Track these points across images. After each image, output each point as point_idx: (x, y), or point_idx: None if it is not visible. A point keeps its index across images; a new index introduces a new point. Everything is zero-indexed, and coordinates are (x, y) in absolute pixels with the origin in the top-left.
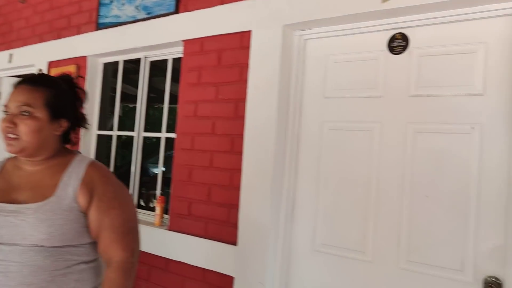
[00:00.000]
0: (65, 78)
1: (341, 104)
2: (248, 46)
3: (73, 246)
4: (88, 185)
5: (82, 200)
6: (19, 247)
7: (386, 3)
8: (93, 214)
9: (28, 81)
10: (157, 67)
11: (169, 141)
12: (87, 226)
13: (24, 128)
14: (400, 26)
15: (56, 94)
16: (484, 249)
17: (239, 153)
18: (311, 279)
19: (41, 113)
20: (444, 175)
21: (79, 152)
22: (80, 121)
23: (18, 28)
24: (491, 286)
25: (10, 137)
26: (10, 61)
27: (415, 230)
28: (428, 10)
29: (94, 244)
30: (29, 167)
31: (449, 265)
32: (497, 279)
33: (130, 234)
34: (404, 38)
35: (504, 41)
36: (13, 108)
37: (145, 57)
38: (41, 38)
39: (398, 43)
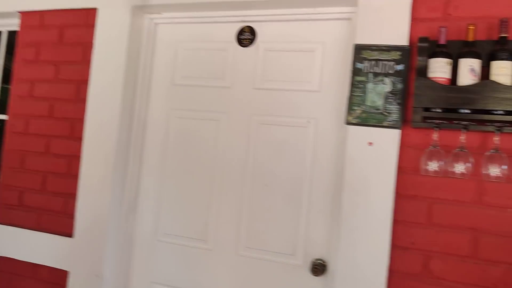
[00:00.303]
0: None
1: (190, 92)
2: (93, 24)
3: None
4: None
5: None
6: None
7: None
8: None
9: None
10: None
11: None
12: None
13: None
14: (249, 20)
15: None
16: (314, 234)
17: (79, 139)
18: (153, 270)
19: None
20: (282, 166)
21: None
22: None
23: None
24: (317, 268)
25: None
26: None
27: (254, 217)
28: (274, 7)
29: None
30: None
31: (283, 250)
32: (323, 261)
33: None
34: (252, 31)
35: (340, 43)
36: None
37: None
38: None
39: (246, 36)
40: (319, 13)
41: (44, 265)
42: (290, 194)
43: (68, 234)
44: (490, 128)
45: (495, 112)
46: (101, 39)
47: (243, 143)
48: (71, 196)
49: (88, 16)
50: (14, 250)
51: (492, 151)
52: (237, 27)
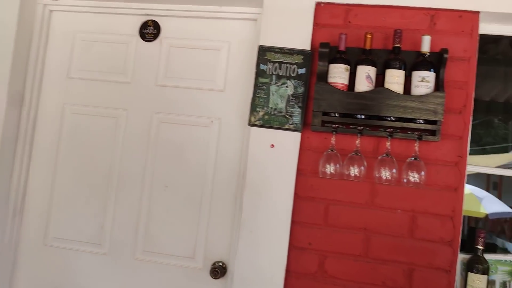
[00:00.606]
0: None
1: (87, 86)
2: None
3: None
4: None
5: None
6: None
7: None
8: None
9: None
10: None
11: None
12: None
13: None
14: (153, 14)
15: None
16: (214, 236)
17: None
18: (41, 276)
19: None
20: (184, 166)
21: None
22: None
23: None
24: (216, 270)
25: None
26: None
27: (153, 220)
28: (180, 2)
29: None
30: None
31: (183, 253)
32: (223, 263)
33: None
34: (156, 26)
35: (245, 43)
36: None
37: None
38: None
39: (149, 30)
40: (225, 12)
41: None
42: (191, 196)
43: None
44: (383, 134)
45: (388, 118)
46: None
47: (143, 142)
48: None
49: None
50: None
51: (384, 155)
52: (141, 20)
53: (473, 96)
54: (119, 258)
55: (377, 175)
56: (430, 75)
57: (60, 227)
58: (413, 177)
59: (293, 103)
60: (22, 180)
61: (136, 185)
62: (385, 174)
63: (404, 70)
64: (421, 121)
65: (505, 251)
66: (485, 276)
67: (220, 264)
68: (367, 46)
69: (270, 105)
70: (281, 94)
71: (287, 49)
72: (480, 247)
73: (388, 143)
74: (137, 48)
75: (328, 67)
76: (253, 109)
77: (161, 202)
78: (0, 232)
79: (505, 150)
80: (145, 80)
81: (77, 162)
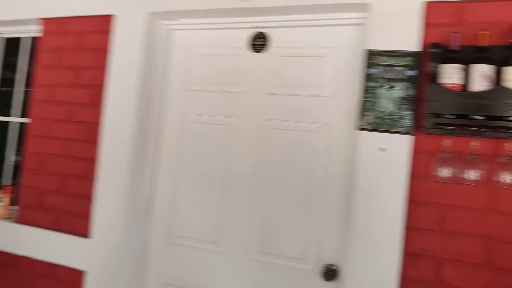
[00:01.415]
0: None
1: (204, 97)
2: (109, 30)
3: None
4: None
5: None
6: None
7: (246, 1)
8: None
9: None
10: (17, 44)
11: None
12: None
13: None
14: (262, 26)
15: None
16: (325, 239)
17: (95, 142)
18: (167, 271)
19: None
20: (294, 171)
21: None
22: None
23: None
24: (328, 273)
25: None
26: None
27: (266, 222)
28: (287, 13)
29: None
30: None
31: (294, 254)
32: (335, 266)
33: None
34: (264, 37)
35: (351, 48)
36: None
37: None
38: None
39: (259, 42)
40: (331, 19)
41: (62, 265)
42: (301, 199)
43: (85, 235)
44: (502, 135)
45: (507, 119)
46: (117, 45)
47: (255, 147)
48: (87, 198)
49: (104, 23)
50: (34, 250)
51: (504, 158)
52: (250, 33)
53: None
54: (235, 257)
55: (497, 179)
56: None
57: (183, 226)
58: None
59: (402, 105)
60: (151, 183)
61: (249, 188)
62: (507, 177)
63: None
64: None
65: None
66: None
67: (332, 267)
68: (482, 43)
69: (379, 109)
70: (390, 97)
71: (395, 51)
72: None
73: (509, 145)
74: (247, 59)
75: (439, 67)
76: (362, 113)
77: (273, 204)
78: (133, 230)
79: None
80: (255, 89)
81: (196, 166)
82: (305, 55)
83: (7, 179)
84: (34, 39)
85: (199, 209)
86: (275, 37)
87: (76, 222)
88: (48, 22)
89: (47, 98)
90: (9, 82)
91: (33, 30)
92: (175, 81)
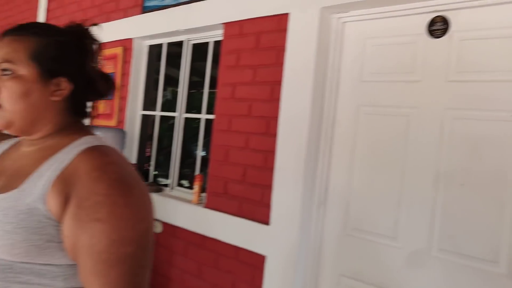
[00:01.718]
0: (71, 27)
1: (378, 88)
2: (285, 29)
3: (38, 264)
4: (65, 181)
5: (53, 203)
6: None
7: None
8: (67, 226)
9: (11, 31)
10: (200, 50)
11: (210, 125)
12: (62, 241)
13: (5, 93)
14: (441, 9)
15: (48, 43)
16: None
17: (273, 135)
18: (342, 262)
19: (26, 70)
20: (481, 164)
21: (93, 134)
22: (92, 83)
23: (71, 12)
24: None
25: None
26: None
27: (448, 218)
28: None
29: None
30: (25, 148)
31: (483, 255)
32: None
33: (118, 267)
34: (444, 21)
35: None
36: None
37: (188, 40)
38: (91, 21)
39: (438, 27)
40: None
41: (245, 248)
42: (490, 195)
43: (265, 222)
44: None
45: None
46: (292, 42)
47: (435, 139)
48: (267, 187)
49: (280, 22)
50: (220, 233)
51: None
52: (428, 18)
53: None
54: (414, 254)
55: None
56: None
57: (358, 218)
58: None
59: None
60: (324, 174)
61: (429, 182)
62: None
63: None
64: None
65: None
66: None
67: None
68: None
69: None
70: None
71: None
72: None
73: None
74: (425, 46)
75: None
76: None
77: (456, 201)
78: (308, 219)
79: None
80: (435, 77)
81: (371, 159)
82: (491, 36)
83: (197, 169)
84: (216, 43)
85: (375, 202)
86: (456, 20)
87: (257, 209)
88: (228, 26)
89: (229, 96)
90: (196, 84)
91: (217, 35)
92: (347, 73)
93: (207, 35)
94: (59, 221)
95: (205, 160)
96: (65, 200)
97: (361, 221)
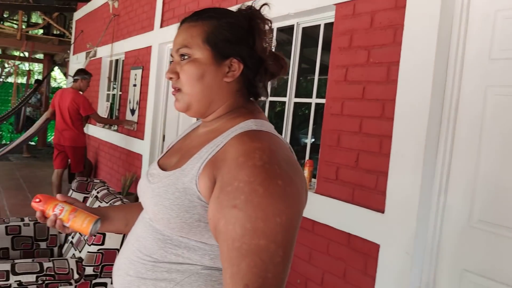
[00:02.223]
0: (242, 9)
1: (510, 66)
2: (403, 5)
3: (193, 240)
4: (214, 165)
5: (202, 185)
6: (145, 218)
7: None
8: (210, 209)
9: (188, 18)
10: (309, 36)
11: (319, 111)
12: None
13: (183, 77)
14: None
15: (220, 25)
16: None
17: (390, 119)
18: (465, 257)
19: (201, 53)
20: None
21: (259, 118)
22: (263, 64)
23: (185, 2)
24: None
25: (173, 91)
26: None
27: None
28: None
29: None
30: (201, 129)
31: None
32: None
33: (249, 258)
34: None
35: None
36: (174, 54)
37: (298, 24)
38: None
39: None
40: None
41: (357, 236)
42: None
43: (380, 209)
44: None
45: None
46: (411, 19)
47: None
48: (382, 174)
49: None
50: (331, 219)
51: None
52: None
53: None
54: None
55: None
56: None
57: (484, 210)
58: None
59: None
60: (446, 161)
61: None
62: None
63: None
64: None
65: None
66: None
67: None
68: None
69: None
70: None
71: None
72: None
73: None
74: None
75: None
76: None
77: None
78: (427, 209)
79: None
80: None
81: (502, 144)
82: None
83: (307, 155)
84: (326, 26)
85: (504, 193)
86: None
87: (370, 196)
88: (341, 6)
89: (342, 78)
90: (304, 71)
91: (327, 17)
92: (473, 51)
93: (318, 18)
94: (207, 202)
95: (313, 146)
96: (212, 183)
97: (488, 213)
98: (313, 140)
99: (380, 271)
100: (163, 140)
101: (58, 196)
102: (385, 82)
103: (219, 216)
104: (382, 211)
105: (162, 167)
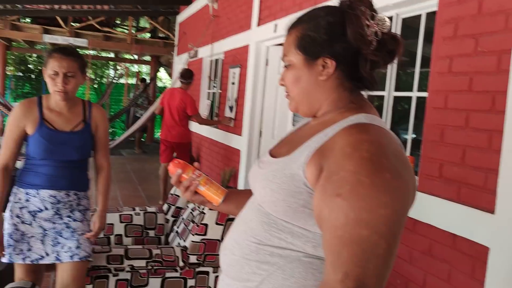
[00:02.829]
0: (326, 8)
1: None
2: None
3: (297, 226)
4: (322, 154)
5: (309, 172)
6: (254, 203)
7: None
8: (315, 197)
9: (289, 26)
10: (409, 27)
11: (419, 105)
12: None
13: (286, 82)
14: None
15: (308, 28)
16: None
17: (500, 112)
18: None
19: (295, 59)
20: None
21: (369, 112)
22: (361, 53)
23: (281, 0)
24: None
25: (286, 94)
26: (275, 31)
27: None
28: None
29: None
30: (312, 121)
31: None
32: None
33: (351, 247)
34: None
35: None
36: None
37: (397, 15)
38: (300, 7)
39: None
40: None
41: (463, 237)
42: None
43: (489, 210)
44: None
45: None
46: None
47: None
48: (491, 171)
49: None
50: (435, 218)
51: None
52: None
53: None
54: None
55: None
56: None
57: None
58: None
59: None
60: None
61: None
62: None
63: None
64: None
65: None
66: None
67: None
68: None
69: None
70: None
71: None
72: None
73: None
74: None
75: None
76: None
77: None
78: None
79: None
80: None
81: None
82: None
83: (408, 151)
84: (427, 16)
85: None
86: None
87: (479, 195)
88: None
89: (446, 70)
90: (401, 64)
91: (429, 6)
92: None
93: (419, 7)
94: (313, 190)
95: (414, 142)
96: (319, 172)
97: None
98: (413, 135)
99: (490, 275)
100: (260, 136)
101: (196, 164)
102: (495, 72)
103: (323, 204)
104: (492, 212)
105: (273, 156)
